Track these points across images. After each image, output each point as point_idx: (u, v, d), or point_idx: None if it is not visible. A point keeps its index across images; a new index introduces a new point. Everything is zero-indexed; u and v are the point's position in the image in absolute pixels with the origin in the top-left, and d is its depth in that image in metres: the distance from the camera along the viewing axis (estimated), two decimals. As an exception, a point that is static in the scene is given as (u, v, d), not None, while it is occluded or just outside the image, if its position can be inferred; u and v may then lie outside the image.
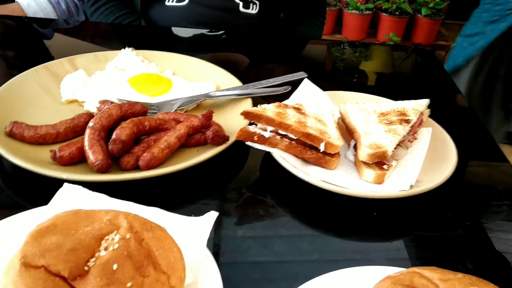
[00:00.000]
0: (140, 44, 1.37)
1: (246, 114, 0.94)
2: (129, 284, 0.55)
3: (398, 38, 4.23)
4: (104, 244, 0.59)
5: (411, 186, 0.91)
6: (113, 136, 0.90)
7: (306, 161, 0.96)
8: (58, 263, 0.55)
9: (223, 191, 0.97)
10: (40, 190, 0.88)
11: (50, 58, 1.26)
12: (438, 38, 4.47)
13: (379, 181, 0.92)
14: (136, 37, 1.66)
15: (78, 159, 0.91)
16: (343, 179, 0.93)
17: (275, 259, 0.82)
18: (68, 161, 0.89)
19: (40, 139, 0.95)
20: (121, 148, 0.89)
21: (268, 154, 0.96)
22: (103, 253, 0.57)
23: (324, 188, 0.88)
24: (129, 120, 0.94)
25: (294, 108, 1.01)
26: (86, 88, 1.17)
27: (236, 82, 1.22)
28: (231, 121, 1.05)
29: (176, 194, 0.93)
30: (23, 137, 0.95)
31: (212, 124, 0.99)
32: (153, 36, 1.69)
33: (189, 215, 0.77)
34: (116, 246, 0.58)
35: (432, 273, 0.59)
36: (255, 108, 0.95)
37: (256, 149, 0.96)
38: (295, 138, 0.94)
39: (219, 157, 0.95)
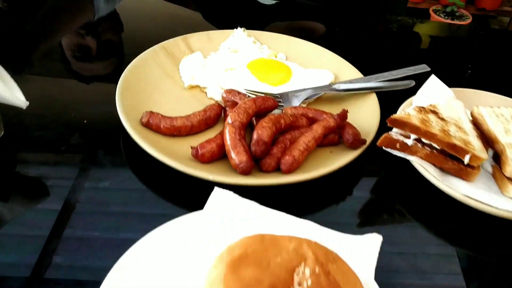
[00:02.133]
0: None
1: (392, 122, 0.90)
2: (329, 323, 0.56)
3: (462, 2, 4.05)
4: (296, 278, 0.58)
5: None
6: (255, 137, 0.89)
7: (443, 170, 0.93)
8: (262, 300, 0.55)
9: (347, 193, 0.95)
10: (181, 187, 0.88)
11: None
12: (504, 4, 4.25)
13: (525, 199, 0.89)
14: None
15: (218, 157, 0.90)
16: (485, 194, 0.90)
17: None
18: (208, 159, 0.89)
19: (176, 131, 0.95)
20: (264, 149, 0.88)
21: (390, 159, 0.94)
22: (298, 288, 0.58)
23: (471, 205, 0.86)
24: (267, 118, 0.92)
25: (432, 111, 0.97)
26: (205, 70, 1.15)
27: (353, 69, 1.18)
28: (357, 117, 1.02)
29: (304, 196, 0.91)
30: (160, 128, 0.94)
31: (346, 125, 0.96)
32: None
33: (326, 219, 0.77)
34: (309, 282, 0.58)
35: None
36: (400, 114, 0.91)
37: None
38: (439, 148, 0.91)
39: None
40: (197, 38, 1.24)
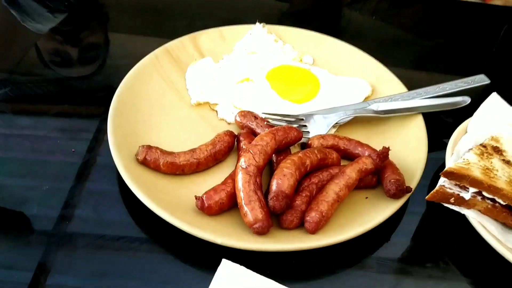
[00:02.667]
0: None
1: (448, 175, 0.72)
2: None
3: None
4: None
5: None
6: (274, 188, 0.71)
7: (506, 225, 0.76)
8: None
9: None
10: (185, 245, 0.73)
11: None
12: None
13: None
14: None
15: (228, 207, 0.74)
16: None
17: None
18: (216, 211, 0.73)
19: (178, 170, 0.79)
20: (284, 205, 0.71)
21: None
22: None
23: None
24: (289, 161, 0.75)
25: (494, 150, 0.78)
26: (216, 81, 0.96)
27: (393, 79, 0.99)
28: (399, 148, 0.84)
29: (330, 253, 0.74)
30: (159, 166, 0.78)
31: (387, 167, 0.78)
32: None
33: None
34: None
35: None
36: (458, 165, 0.72)
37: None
38: (503, 203, 0.72)
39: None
40: (207, 37, 1.05)
